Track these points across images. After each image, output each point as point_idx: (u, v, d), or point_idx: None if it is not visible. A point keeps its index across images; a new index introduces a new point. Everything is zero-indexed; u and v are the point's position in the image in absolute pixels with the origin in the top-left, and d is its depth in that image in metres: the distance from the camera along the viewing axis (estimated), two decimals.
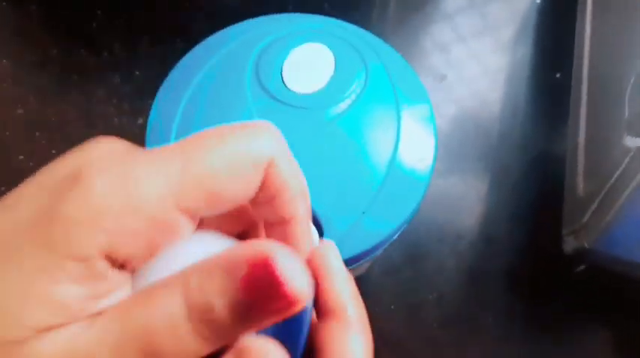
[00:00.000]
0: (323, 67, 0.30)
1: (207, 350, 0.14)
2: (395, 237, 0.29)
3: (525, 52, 0.48)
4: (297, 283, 0.14)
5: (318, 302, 0.18)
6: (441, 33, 0.49)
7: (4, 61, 0.46)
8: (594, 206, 0.33)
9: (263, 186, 0.17)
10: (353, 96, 0.29)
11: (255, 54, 0.30)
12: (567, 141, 0.40)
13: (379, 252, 0.29)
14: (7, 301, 0.14)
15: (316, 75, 0.29)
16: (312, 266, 0.18)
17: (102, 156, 0.15)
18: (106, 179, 0.14)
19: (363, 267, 0.36)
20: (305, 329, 0.17)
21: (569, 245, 0.35)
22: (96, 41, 0.47)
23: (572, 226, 0.35)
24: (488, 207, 0.43)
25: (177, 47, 0.46)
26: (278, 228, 0.18)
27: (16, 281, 0.14)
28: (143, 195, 0.14)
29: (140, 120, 0.44)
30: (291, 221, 0.18)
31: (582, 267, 0.39)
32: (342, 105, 0.29)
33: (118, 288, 0.15)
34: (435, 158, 0.29)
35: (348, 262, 0.28)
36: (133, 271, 0.15)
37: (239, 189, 0.16)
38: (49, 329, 0.14)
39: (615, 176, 0.30)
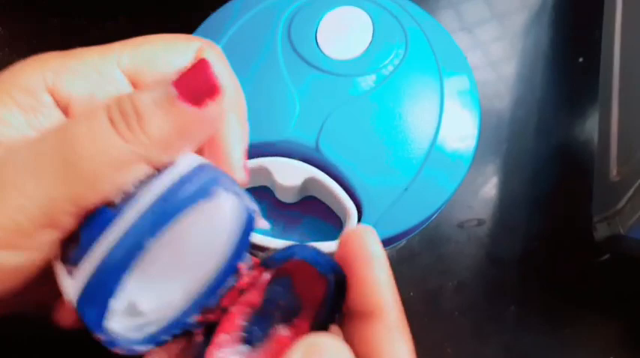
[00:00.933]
0: (360, 33, 0.28)
1: (137, 152, 0.15)
2: (433, 218, 0.27)
3: (545, 37, 0.47)
4: (220, 73, 0.16)
5: (354, 294, 0.17)
6: (462, 15, 0.47)
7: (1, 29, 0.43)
8: (630, 192, 0.31)
9: None
10: (393, 65, 0.27)
11: (287, 14, 0.28)
12: (595, 126, 0.39)
13: (416, 233, 0.28)
14: None
15: (353, 40, 0.27)
16: (349, 250, 0.17)
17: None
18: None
19: (393, 249, 0.34)
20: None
21: (602, 232, 0.34)
22: (100, 11, 0.44)
23: (605, 213, 0.33)
24: (510, 194, 0.41)
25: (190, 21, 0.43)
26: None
27: None
28: (86, 53, 0.17)
29: None
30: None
31: (607, 256, 0.37)
32: (381, 74, 0.27)
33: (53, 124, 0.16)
34: (479, 134, 0.27)
35: (387, 242, 0.26)
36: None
37: (173, 62, 0.18)
38: None
39: None
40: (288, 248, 0.17)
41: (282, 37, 0.27)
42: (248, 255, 0.18)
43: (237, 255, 0.17)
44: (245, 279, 0.17)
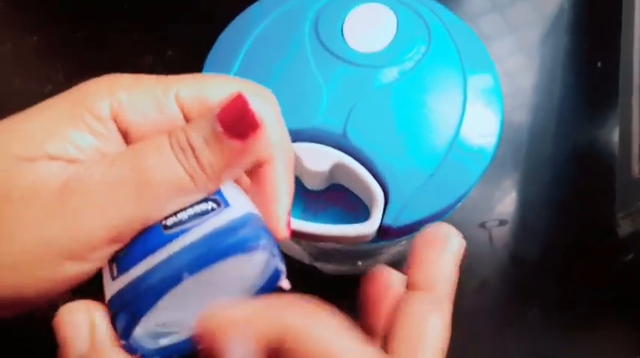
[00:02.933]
0: (385, 27, 0.28)
1: (195, 182, 0.17)
2: (458, 206, 0.28)
3: (562, 43, 0.48)
4: (259, 111, 0.17)
5: (416, 272, 0.19)
6: (479, 27, 0.48)
7: (34, 37, 0.45)
8: None
9: None
10: (415, 59, 0.28)
11: (314, 11, 0.29)
12: (614, 129, 0.39)
13: (442, 219, 0.28)
14: (33, 131, 0.17)
15: (378, 34, 0.28)
16: (429, 237, 0.19)
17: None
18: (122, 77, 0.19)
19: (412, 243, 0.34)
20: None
21: (625, 228, 0.34)
22: (126, 22, 0.46)
23: (628, 209, 0.33)
24: (531, 195, 0.41)
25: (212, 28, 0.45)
26: (257, 169, 0.20)
27: (45, 119, 0.18)
28: (147, 81, 0.19)
29: None
30: (267, 162, 0.19)
31: (630, 256, 0.37)
32: (406, 66, 0.28)
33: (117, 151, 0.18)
34: (502, 126, 0.28)
35: (411, 228, 0.26)
36: (131, 142, 0.19)
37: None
38: (59, 159, 0.17)
39: None
40: None
41: (310, 32, 0.28)
42: None
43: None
44: None
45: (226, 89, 0.19)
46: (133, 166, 0.17)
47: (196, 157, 0.17)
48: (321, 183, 0.26)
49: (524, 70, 0.46)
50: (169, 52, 0.44)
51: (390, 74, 0.27)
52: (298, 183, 0.27)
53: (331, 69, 0.27)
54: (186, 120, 0.19)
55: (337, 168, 0.25)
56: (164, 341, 0.18)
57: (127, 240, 0.17)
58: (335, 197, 0.27)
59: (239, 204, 0.18)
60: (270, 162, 0.19)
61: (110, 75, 0.19)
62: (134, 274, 0.17)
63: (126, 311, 0.17)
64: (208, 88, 0.19)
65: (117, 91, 0.18)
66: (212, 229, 0.17)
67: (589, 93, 0.45)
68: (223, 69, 0.28)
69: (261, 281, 0.19)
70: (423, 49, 0.28)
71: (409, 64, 0.28)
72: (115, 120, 0.18)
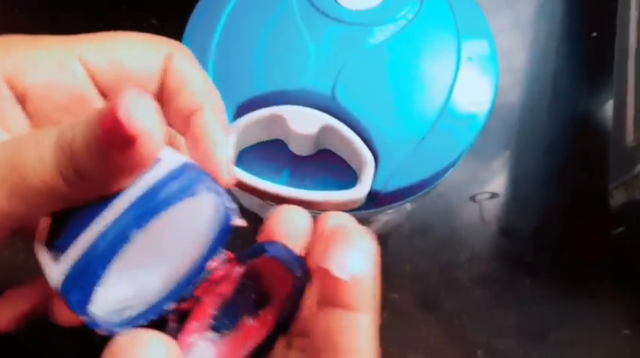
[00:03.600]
0: None
1: (72, 189, 0.15)
2: (448, 173, 0.27)
3: (558, 14, 0.47)
4: (136, 118, 0.14)
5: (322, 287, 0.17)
6: None
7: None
8: None
9: (164, 83, 0.19)
10: (410, 16, 0.27)
11: None
12: (609, 99, 0.39)
13: (431, 187, 0.27)
14: None
15: None
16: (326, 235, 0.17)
17: None
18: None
19: (402, 213, 0.34)
20: None
21: (618, 198, 0.33)
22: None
23: (622, 178, 0.33)
24: (523, 166, 0.41)
25: None
26: (187, 123, 0.19)
27: None
28: (47, 41, 0.18)
29: None
30: (195, 112, 0.19)
31: (622, 228, 0.37)
32: (398, 26, 0.27)
33: (11, 119, 0.17)
34: (495, 94, 0.27)
35: (403, 194, 0.25)
36: (29, 112, 0.17)
37: (141, 68, 0.19)
38: None
39: None
40: (260, 245, 0.19)
41: None
42: (223, 250, 0.19)
43: (213, 249, 0.19)
44: (218, 272, 0.19)
45: (134, 50, 0.18)
46: (9, 160, 0.15)
47: (77, 166, 0.15)
48: (309, 147, 0.25)
49: (519, 41, 0.45)
50: (153, 21, 0.43)
51: (381, 34, 0.26)
52: (286, 149, 0.26)
53: (320, 27, 0.26)
54: (99, 85, 0.18)
55: (325, 130, 0.24)
56: (126, 314, 0.18)
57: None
58: (323, 164, 0.27)
59: (174, 158, 0.17)
60: (199, 110, 0.19)
61: (4, 35, 0.18)
62: (78, 247, 0.16)
63: (78, 286, 0.16)
64: (116, 49, 0.18)
65: (11, 51, 0.17)
66: (150, 183, 0.16)
67: (584, 63, 0.44)
68: (205, 31, 0.27)
69: (214, 228, 0.18)
70: (416, 7, 0.27)
71: (401, 23, 0.27)
72: (10, 83, 0.17)
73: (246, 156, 0.26)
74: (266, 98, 0.25)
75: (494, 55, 0.28)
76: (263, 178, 0.24)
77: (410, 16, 0.27)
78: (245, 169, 0.24)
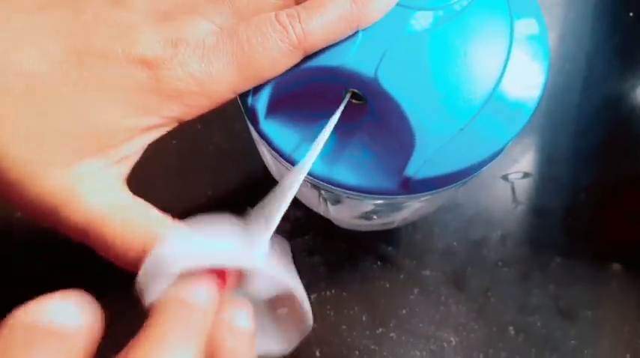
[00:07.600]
0: None
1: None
2: (489, 165, 0.27)
3: None
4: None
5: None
6: None
7: None
8: None
9: None
10: (461, 3, 0.26)
11: None
12: None
13: (467, 180, 0.27)
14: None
15: None
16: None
17: None
18: None
19: (433, 204, 0.33)
20: None
21: None
22: None
23: None
24: (555, 147, 0.41)
25: None
26: None
27: None
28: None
29: None
30: None
31: None
32: (449, 10, 0.26)
33: None
34: (546, 83, 0.27)
35: (438, 182, 0.25)
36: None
37: None
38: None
39: None
40: None
41: None
42: None
43: None
44: None
45: None
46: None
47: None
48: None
49: (554, 19, 0.45)
50: None
51: (431, 17, 0.26)
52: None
53: None
54: None
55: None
56: None
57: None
58: (369, 138, 0.27)
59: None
60: None
61: None
62: None
63: None
64: None
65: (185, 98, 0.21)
66: None
67: (619, 43, 0.44)
68: None
69: None
70: None
71: (454, 8, 0.26)
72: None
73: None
74: (310, 72, 0.25)
75: (545, 35, 0.27)
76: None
77: (464, 2, 0.26)
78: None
